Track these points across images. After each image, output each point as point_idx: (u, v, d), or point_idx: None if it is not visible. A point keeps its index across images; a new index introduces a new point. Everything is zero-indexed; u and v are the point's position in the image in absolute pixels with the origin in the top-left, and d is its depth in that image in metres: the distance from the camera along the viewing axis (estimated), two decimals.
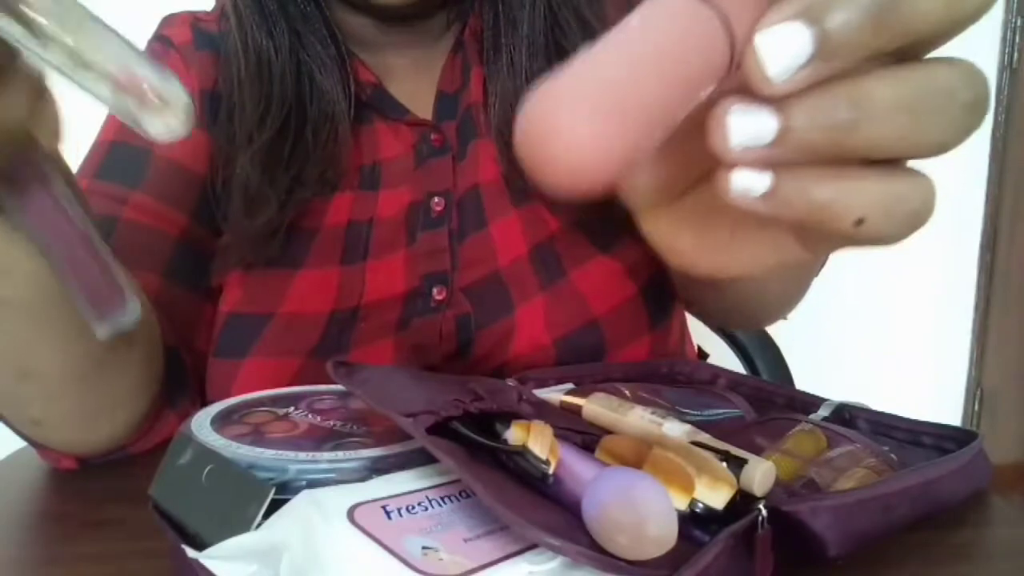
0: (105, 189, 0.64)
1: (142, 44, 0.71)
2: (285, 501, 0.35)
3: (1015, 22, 2.14)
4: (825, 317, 1.90)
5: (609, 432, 0.45)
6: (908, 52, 0.21)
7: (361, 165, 0.67)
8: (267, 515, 0.35)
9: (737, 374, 0.62)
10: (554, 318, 0.62)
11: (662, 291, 0.67)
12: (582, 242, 0.64)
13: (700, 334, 0.88)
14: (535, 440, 0.35)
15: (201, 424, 0.43)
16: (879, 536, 0.41)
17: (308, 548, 0.31)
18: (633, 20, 0.22)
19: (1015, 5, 2.13)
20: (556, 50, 0.66)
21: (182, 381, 0.63)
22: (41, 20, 0.29)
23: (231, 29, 0.66)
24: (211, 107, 0.67)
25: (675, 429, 0.43)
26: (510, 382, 0.54)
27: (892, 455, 0.48)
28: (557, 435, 0.37)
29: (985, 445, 0.48)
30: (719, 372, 0.62)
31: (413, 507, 0.34)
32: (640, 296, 0.64)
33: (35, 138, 0.36)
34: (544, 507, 0.34)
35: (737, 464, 0.39)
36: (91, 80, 0.30)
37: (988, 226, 2.24)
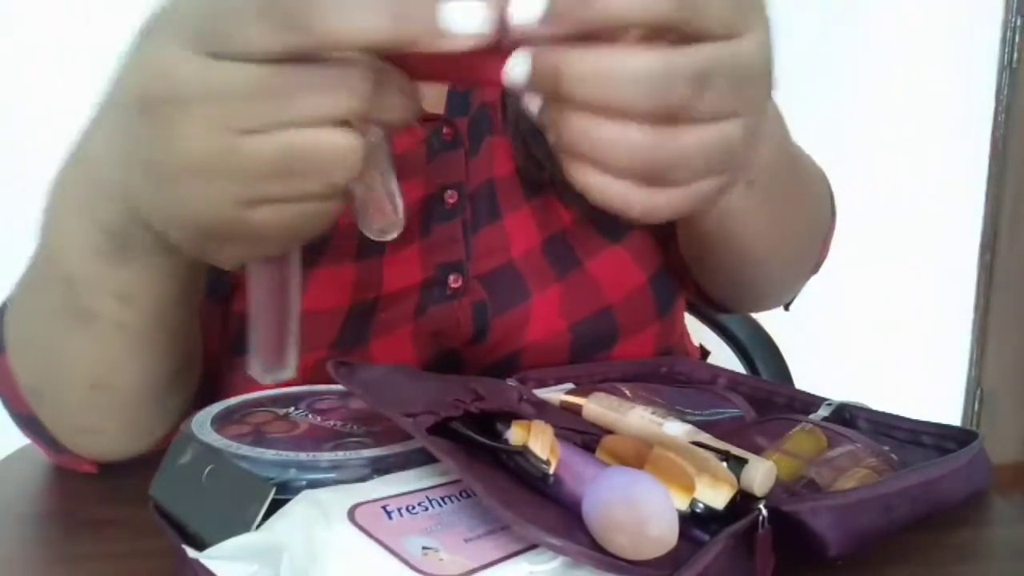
0: None
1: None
2: (285, 501, 0.35)
3: (1015, 22, 2.14)
4: (825, 316, 1.90)
5: (609, 432, 0.45)
6: None
7: None
8: (267, 515, 0.35)
9: (737, 374, 0.62)
10: (569, 305, 0.63)
11: (668, 281, 0.68)
12: (593, 233, 0.65)
13: (700, 335, 0.89)
14: (536, 440, 0.35)
15: (202, 424, 0.43)
16: (880, 536, 0.41)
17: (309, 548, 0.31)
18: None
19: (1015, 5, 2.13)
20: None
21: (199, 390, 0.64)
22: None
23: None
24: None
25: (675, 429, 0.43)
26: (511, 382, 0.54)
27: (893, 455, 0.48)
28: (557, 435, 0.37)
29: (985, 445, 0.48)
30: (719, 372, 0.62)
31: (413, 507, 0.34)
32: (649, 285, 0.66)
33: None
34: (544, 507, 0.34)
35: (738, 464, 0.39)
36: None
37: (988, 226, 2.24)
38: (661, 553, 0.31)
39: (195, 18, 0.30)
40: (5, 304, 0.55)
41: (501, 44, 0.29)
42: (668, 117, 0.28)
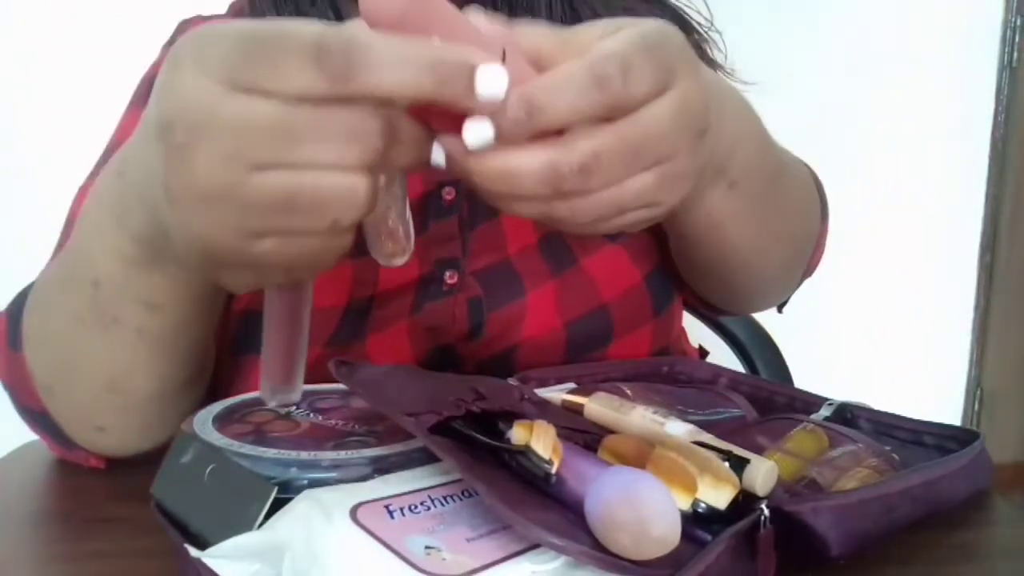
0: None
1: (155, 47, 0.76)
2: (287, 500, 0.35)
3: (1015, 21, 2.14)
4: (824, 317, 1.90)
5: (611, 432, 0.45)
6: None
7: None
8: (269, 515, 0.35)
9: (738, 373, 0.62)
10: (565, 302, 0.63)
11: (664, 280, 0.68)
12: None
13: (700, 335, 0.89)
14: (538, 440, 0.35)
15: (203, 423, 0.43)
16: (881, 536, 0.41)
17: (310, 547, 0.31)
18: None
19: (1015, 4, 2.13)
20: None
21: None
22: None
23: None
24: None
25: (677, 429, 0.43)
26: (512, 381, 0.54)
27: (894, 455, 0.48)
28: (559, 435, 0.37)
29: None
30: (720, 371, 0.62)
31: (416, 507, 0.34)
32: (645, 283, 0.66)
33: None
34: (546, 507, 0.34)
35: (739, 464, 0.39)
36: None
37: (988, 226, 2.24)
38: (663, 553, 0.31)
39: (231, 50, 0.31)
40: (20, 302, 0.56)
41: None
42: (563, 194, 0.34)
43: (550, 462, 0.34)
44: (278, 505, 0.35)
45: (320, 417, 0.46)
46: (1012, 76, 2.16)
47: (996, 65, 2.16)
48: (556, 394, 0.51)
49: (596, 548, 0.31)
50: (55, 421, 0.54)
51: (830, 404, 0.55)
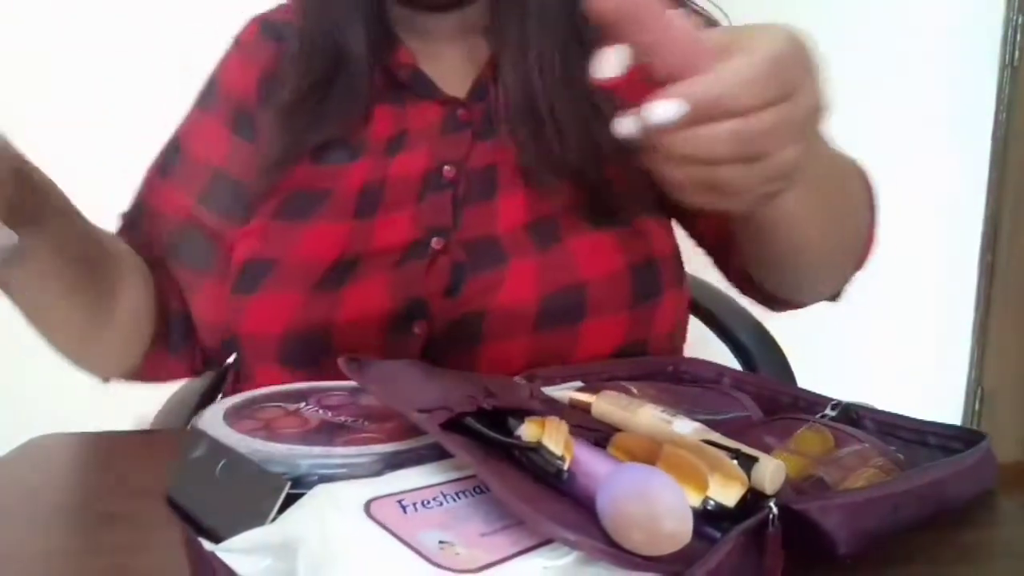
0: (149, 177, 0.81)
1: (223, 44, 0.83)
2: (298, 496, 0.35)
3: (1016, 20, 2.14)
4: (825, 318, 1.90)
5: (619, 430, 0.45)
6: None
7: (389, 136, 0.74)
8: (281, 510, 0.35)
9: (742, 373, 0.63)
10: (544, 276, 0.66)
11: (652, 276, 0.70)
12: (583, 221, 0.69)
13: (703, 338, 0.89)
14: (550, 436, 0.35)
15: (213, 419, 0.43)
16: (887, 535, 0.41)
17: (324, 541, 0.31)
18: None
19: (1016, 3, 2.13)
20: (574, 35, 0.71)
21: (185, 334, 0.79)
22: None
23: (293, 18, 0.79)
24: (267, 88, 0.79)
25: (685, 427, 0.43)
26: (519, 380, 0.54)
27: (899, 455, 0.49)
28: (571, 432, 0.37)
29: None
30: (724, 371, 0.62)
31: (428, 502, 0.34)
32: (628, 271, 0.68)
33: None
34: (559, 503, 0.34)
35: (748, 462, 0.39)
36: None
37: (988, 226, 2.24)
38: (675, 549, 0.31)
39: None
40: None
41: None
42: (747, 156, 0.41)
43: (562, 458, 0.34)
44: (290, 501, 0.35)
45: (329, 414, 0.47)
46: (1013, 75, 2.16)
47: (997, 64, 2.17)
48: (563, 392, 0.52)
49: (608, 544, 0.31)
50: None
51: (835, 404, 0.55)
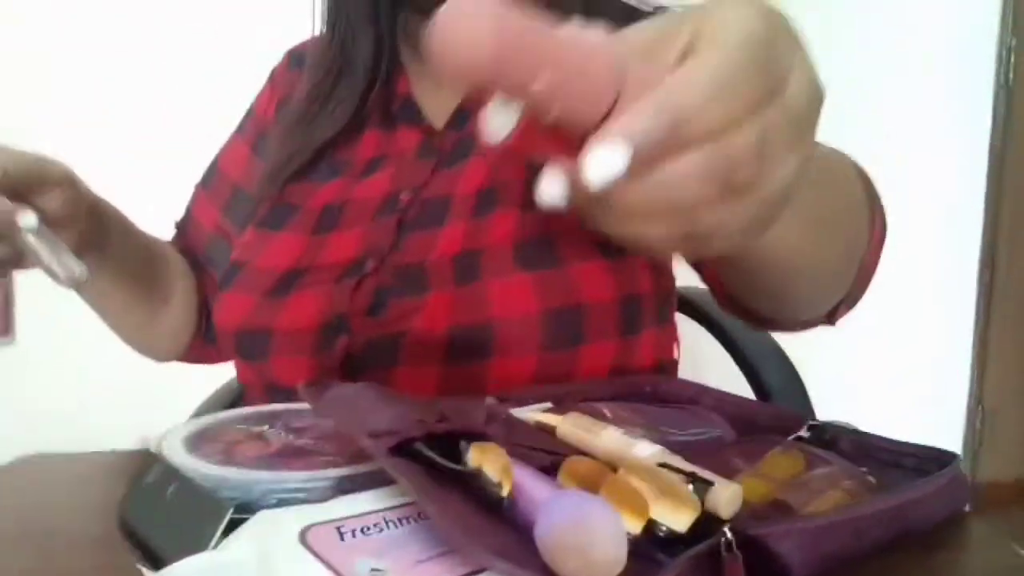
0: (196, 188, 0.94)
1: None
2: (244, 522, 0.35)
3: (1010, 41, 2.14)
4: (825, 336, 1.89)
5: (584, 453, 0.45)
6: None
7: (370, 158, 0.77)
8: (226, 535, 0.35)
9: (723, 393, 0.62)
10: (455, 309, 0.66)
11: (568, 326, 0.66)
12: (511, 260, 0.67)
13: (707, 346, 0.88)
14: (489, 463, 0.35)
15: (172, 443, 0.43)
16: (851, 559, 0.40)
17: (262, 568, 0.31)
18: None
19: (1010, 25, 2.13)
20: None
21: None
22: None
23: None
24: (281, 110, 0.87)
25: (645, 450, 0.43)
26: (489, 400, 0.54)
27: (870, 477, 0.48)
28: (521, 456, 0.37)
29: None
30: (704, 390, 0.62)
31: (368, 528, 0.34)
32: (540, 317, 0.65)
33: None
34: (500, 530, 0.34)
35: (703, 486, 0.39)
36: None
37: (987, 244, 2.23)
38: None
39: None
40: None
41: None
42: (733, 189, 0.28)
43: (500, 485, 0.34)
44: (237, 526, 0.35)
45: (292, 436, 0.47)
46: (1008, 95, 2.16)
47: (992, 84, 2.16)
48: (532, 414, 0.51)
49: (545, 573, 0.31)
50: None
51: (811, 425, 0.54)
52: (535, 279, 0.67)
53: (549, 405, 0.54)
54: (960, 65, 2.15)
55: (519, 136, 0.27)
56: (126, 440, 0.81)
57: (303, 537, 0.32)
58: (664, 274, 0.75)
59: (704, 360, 0.93)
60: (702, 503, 0.38)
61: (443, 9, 0.24)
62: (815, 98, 0.30)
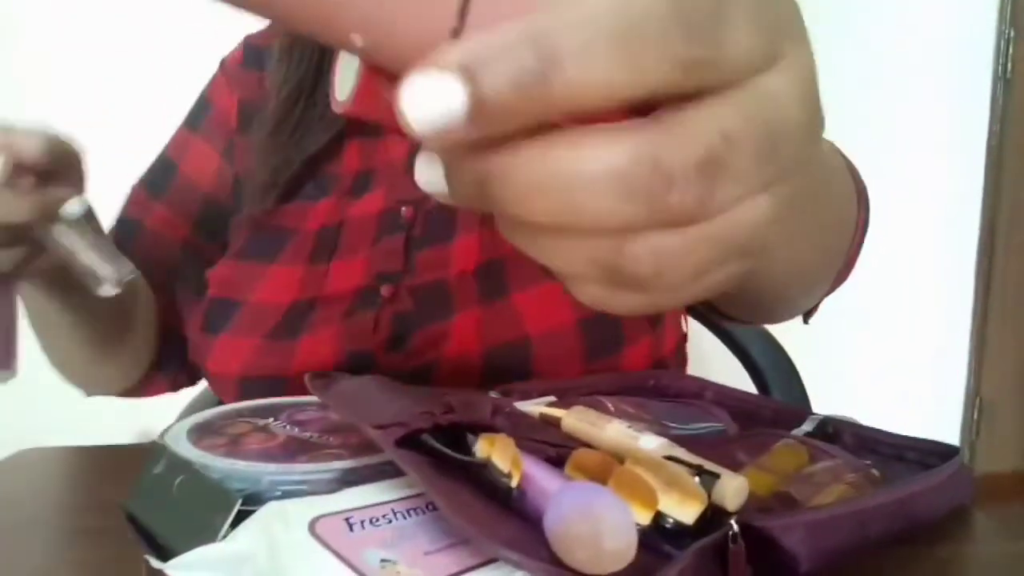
0: (140, 196, 0.80)
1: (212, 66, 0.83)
2: (252, 513, 0.35)
3: (1008, 32, 2.15)
4: (822, 328, 1.89)
5: (588, 446, 0.45)
6: None
7: (356, 172, 0.72)
8: (234, 526, 0.35)
9: (725, 387, 0.62)
10: (487, 329, 0.63)
11: (607, 330, 0.65)
12: (533, 267, 0.64)
13: (710, 345, 0.88)
14: (498, 454, 0.35)
15: (177, 436, 0.43)
16: (855, 552, 0.40)
17: (271, 559, 0.31)
18: None
19: (1008, 16, 2.14)
20: None
21: (176, 353, 0.78)
22: None
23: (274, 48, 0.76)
24: (245, 115, 0.78)
25: (650, 443, 0.43)
26: (493, 394, 0.54)
27: (874, 471, 0.48)
28: (527, 448, 0.37)
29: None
30: (706, 385, 0.62)
31: (377, 519, 0.34)
32: (578, 326, 0.64)
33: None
34: (509, 521, 0.34)
35: (710, 479, 0.39)
36: None
37: (985, 236, 2.24)
38: (619, 567, 0.30)
39: None
40: None
41: None
42: (663, 223, 0.18)
43: (509, 475, 0.34)
44: (245, 517, 0.35)
45: (297, 429, 0.47)
46: (1006, 87, 2.16)
47: (990, 76, 2.16)
48: (536, 407, 0.51)
49: (554, 563, 0.31)
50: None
51: (813, 419, 0.55)
52: (561, 287, 0.64)
53: (552, 399, 0.54)
54: (957, 57, 2.15)
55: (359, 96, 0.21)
56: (126, 437, 0.81)
57: (312, 528, 0.32)
58: None
59: (706, 355, 0.93)
60: (708, 495, 0.38)
61: None
62: (808, 108, 0.20)
